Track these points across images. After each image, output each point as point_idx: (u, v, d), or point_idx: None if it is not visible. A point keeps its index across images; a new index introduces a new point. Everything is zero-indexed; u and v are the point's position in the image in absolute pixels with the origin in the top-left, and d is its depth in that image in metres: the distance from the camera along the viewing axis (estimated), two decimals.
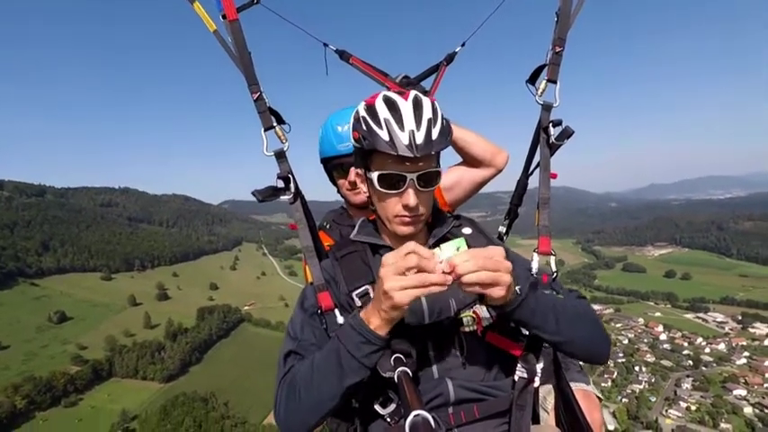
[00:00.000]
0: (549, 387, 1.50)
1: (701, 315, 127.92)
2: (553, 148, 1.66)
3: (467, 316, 1.21)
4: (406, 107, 1.21)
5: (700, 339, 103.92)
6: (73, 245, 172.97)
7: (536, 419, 1.32)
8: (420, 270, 0.97)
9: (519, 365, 1.27)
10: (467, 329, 1.22)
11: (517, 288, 1.11)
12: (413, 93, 1.27)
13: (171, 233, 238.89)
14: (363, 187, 1.37)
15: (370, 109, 1.24)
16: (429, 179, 1.24)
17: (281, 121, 1.68)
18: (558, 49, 1.71)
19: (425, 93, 1.86)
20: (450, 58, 2.15)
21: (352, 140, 1.30)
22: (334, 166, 2.06)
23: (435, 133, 1.20)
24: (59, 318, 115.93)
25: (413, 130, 1.17)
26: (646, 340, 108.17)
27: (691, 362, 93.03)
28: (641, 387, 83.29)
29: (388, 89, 1.58)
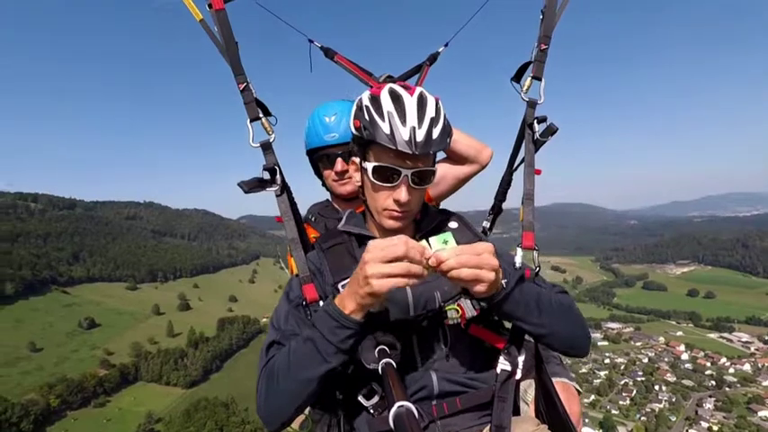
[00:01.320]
0: (529, 380, 1.53)
1: (725, 335, 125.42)
2: (538, 145, 1.66)
3: (451, 309, 1.20)
4: (410, 102, 1.21)
5: (723, 359, 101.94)
6: (101, 255, 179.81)
7: (516, 411, 1.34)
8: (407, 260, 0.97)
9: (501, 358, 1.29)
10: (451, 322, 1.21)
11: (503, 282, 1.13)
12: (419, 89, 1.27)
13: (192, 246, 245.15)
14: (357, 176, 1.37)
15: (375, 100, 1.23)
16: (423, 177, 1.24)
17: (267, 112, 1.68)
18: (543, 47, 1.72)
19: None
20: (433, 59, 2.16)
21: (353, 128, 1.28)
22: (320, 157, 2.07)
23: (436, 133, 1.20)
24: (89, 324, 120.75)
25: (414, 127, 1.17)
26: (666, 359, 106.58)
27: (714, 382, 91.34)
28: (661, 406, 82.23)
29: (372, 88, 1.58)
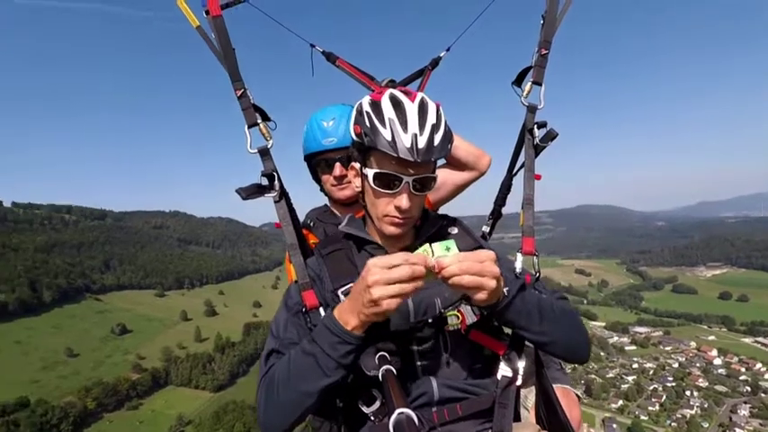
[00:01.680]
0: (529, 385, 1.51)
1: (760, 339, 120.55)
2: (538, 150, 1.65)
3: (452, 315, 1.20)
4: (411, 109, 1.20)
5: (759, 365, 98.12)
6: (130, 264, 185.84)
7: (517, 417, 1.34)
8: (412, 280, 0.96)
9: (502, 364, 1.28)
10: (451, 328, 1.21)
11: (505, 290, 1.12)
12: (420, 95, 1.26)
13: (216, 254, 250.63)
14: (356, 182, 1.36)
15: (376, 105, 1.22)
16: (424, 184, 1.24)
17: (266, 117, 1.67)
18: (543, 52, 1.72)
19: None
20: (435, 63, 2.16)
21: (353, 134, 1.27)
22: (318, 162, 2.06)
23: (438, 139, 1.20)
24: (121, 330, 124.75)
25: (416, 134, 1.16)
26: (698, 364, 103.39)
27: (749, 388, 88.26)
28: (692, 412, 79.98)
29: (373, 92, 1.58)
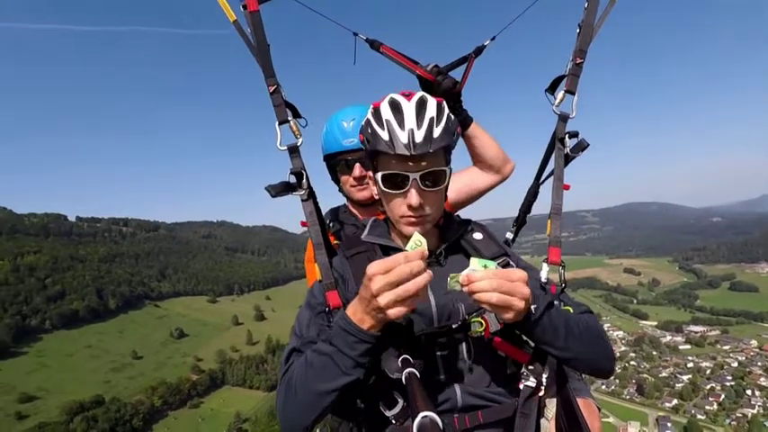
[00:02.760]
0: (550, 396, 1.48)
1: None
2: (568, 160, 1.63)
3: (476, 321, 1.19)
4: (408, 108, 1.22)
5: None
6: (183, 272, 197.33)
7: (537, 428, 1.32)
8: (413, 277, 0.93)
9: (525, 373, 1.27)
10: (475, 335, 1.20)
11: (533, 308, 1.11)
12: (418, 94, 1.28)
13: (262, 261, 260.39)
14: (375, 189, 1.37)
15: (376, 111, 1.25)
16: (435, 179, 1.23)
17: (297, 114, 1.64)
18: (578, 61, 1.68)
19: (456, 83, 1.86)
20: (478, 51, 2.06)
21: (361, 142, 1.31)
22: (337, 162, 2.05)
23: (437, 131, 1.20)
24: (179, 334, 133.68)
25: (412, 129, 1.17)
26: (760, 363, 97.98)
27: None
28: (754, 411, 76.23)
29: (419, 77, 1.58)
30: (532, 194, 1.94)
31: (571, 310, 1.35)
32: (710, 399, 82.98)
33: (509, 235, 2.04)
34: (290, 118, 1.62)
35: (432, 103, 1.25)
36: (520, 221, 2.02)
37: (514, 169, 2.15)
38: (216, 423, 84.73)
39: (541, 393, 1.28)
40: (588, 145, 1.62)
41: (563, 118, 1.68)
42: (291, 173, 1.56)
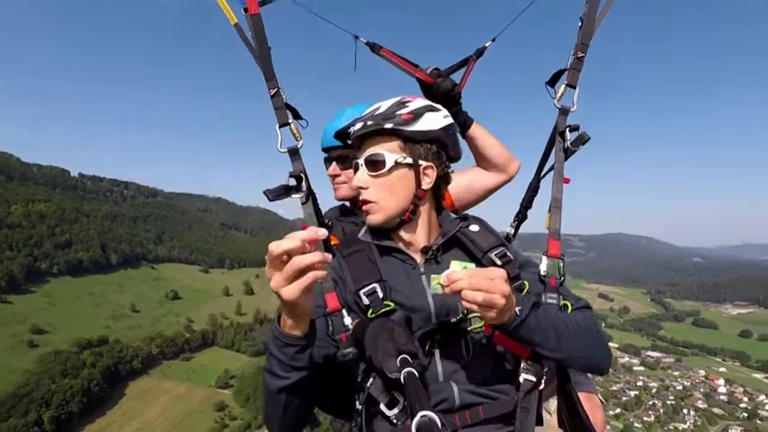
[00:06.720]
0: (551, 389, 1.49)
1: None
2: (568, 153, 1.62)
3: (475, 317, 1.19)
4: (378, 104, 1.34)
5: (763, 397, 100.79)
6: (179, 240, 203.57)
7: (539, 421, 1.31)
8: (290, 255, 0.88)
9: (525, 368, 1.26)
10: (475, 330, 1.21)
11: (517, 309, 1.10)
12: (419, 100, 1.32)
13: (254, 240, 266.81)
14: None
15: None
16: (373, 163, 1.26)
17: (297, 116, 1.65)
18: (580, 55, 1.67)
19: (455, 85, 1.84)
20: (479, 53, 2.05)
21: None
22: (326, 158, 2.06)
23: (373, 116, 1.26)
24: (173, 296, 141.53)
25: (364, 118, 1.28)
26: (702, 390, 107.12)
27: (746, 414, 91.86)
28: (685, 426, 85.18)
29: (419, 80, 1.62)
30: (533, 189, 1.91)
31: (570, 305, 1.35)
32: (650, 412, 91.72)
33: (509, 230, 2.03)
34: (290, 120, 1.64)
35: (395, 100, 1.29)
36: (521, 217, 2.00)
37: (520, 168, 2.12)
38: (205, 375, 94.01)
39: (542, 387, 1.27)
40: (589, 138, 1.59)
41: (564, 111, 1.68)
42: (291, 175, 1.57)
